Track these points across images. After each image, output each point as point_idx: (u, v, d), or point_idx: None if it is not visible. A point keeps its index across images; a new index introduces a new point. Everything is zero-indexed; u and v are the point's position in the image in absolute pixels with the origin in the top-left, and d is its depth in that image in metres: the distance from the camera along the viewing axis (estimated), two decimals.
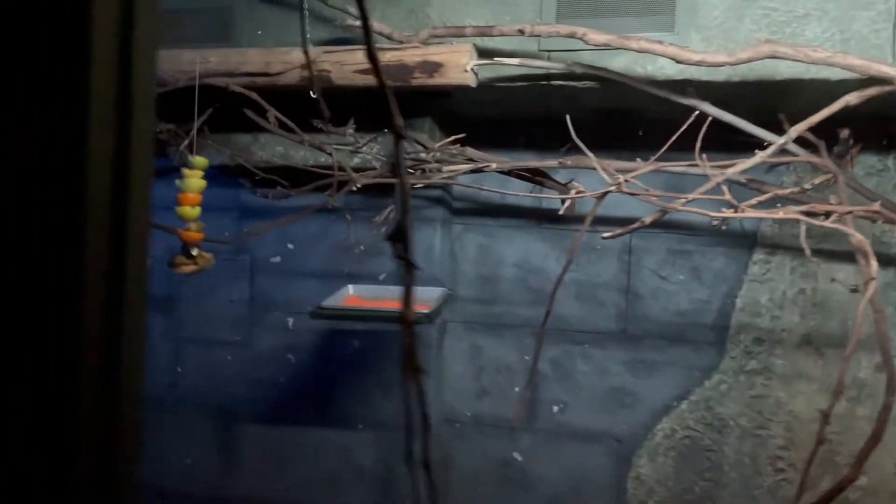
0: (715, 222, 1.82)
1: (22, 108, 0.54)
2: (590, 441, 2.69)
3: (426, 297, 2.25)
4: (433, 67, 1.99)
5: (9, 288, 0.54)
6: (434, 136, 2.54)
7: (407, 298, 0.96)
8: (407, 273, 0.97)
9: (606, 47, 1.80)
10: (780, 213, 1.74)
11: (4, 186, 0.54)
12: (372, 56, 0.91)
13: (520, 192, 2.49)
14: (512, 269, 2.77)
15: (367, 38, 0.93)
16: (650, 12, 2.00)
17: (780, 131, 1.96)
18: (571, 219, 2.68)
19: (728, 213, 1.81)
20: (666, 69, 2.00)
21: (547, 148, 2.56)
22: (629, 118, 2.38)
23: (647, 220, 1.89)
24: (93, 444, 0.58)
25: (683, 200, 1.83)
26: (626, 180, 1.91)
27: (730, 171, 1.80)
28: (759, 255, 2.54)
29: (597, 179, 2.37)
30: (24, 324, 0.54)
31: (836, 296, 2.49)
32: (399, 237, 0.95)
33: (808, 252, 1.77)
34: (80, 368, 0.56)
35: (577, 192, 1.98)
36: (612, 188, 1.95)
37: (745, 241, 2.55)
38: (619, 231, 1.94)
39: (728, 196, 1.80)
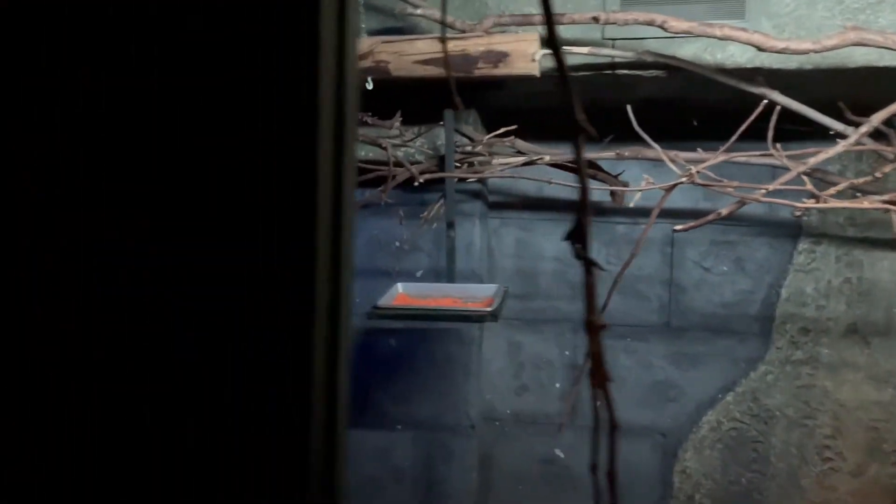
0: (797, 213, 1.80)
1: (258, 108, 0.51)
2: (634, 436, 2.66)
3: (484, 293, 2.18)
4: (498, 57, 1.92)
5: (244, 289, 0.52)
6: (477, 128, 2.48)
7: (590, 302, 0.92)
8: (589, 274, 0.93)
9: (687, 35, 1.75)
10: (866, 203, 1.71)
11: (245, 181, 0.51)
12: (554, 46, 0.86)
13: (560, 183, 2.45)
14: (551, 262, 2.72)
15: (550, 31, 0.88)
16: None
17: (842, 120, 1.95)
18: (611, 211, 2.65)
19: (809, 203, 1.78)
20: (736, 57, 1.97)
21: (590, 139, 2.50)
22: (682, 108, 2.34)
23: (724, 211, 1.85)
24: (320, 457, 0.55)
25: (763, 191, 1.80)
26: (697, 171, 1.87)
27: (811, 161, 1.77)
28: (803, 245, 2.53)
29: (644, 170, 2.34)
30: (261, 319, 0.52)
31: (881, 284, 2.49)
32: (578, 237, 0.90)
33: None
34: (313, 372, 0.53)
35: (646, 184, 1.93)
36: (684, 179, 1.91)
37: (790, 230, 2.54)
38: (692, 223, 1.90)
39: (810, 186, 1.77)
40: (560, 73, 0.90)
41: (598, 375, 0.95)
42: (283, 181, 0.51)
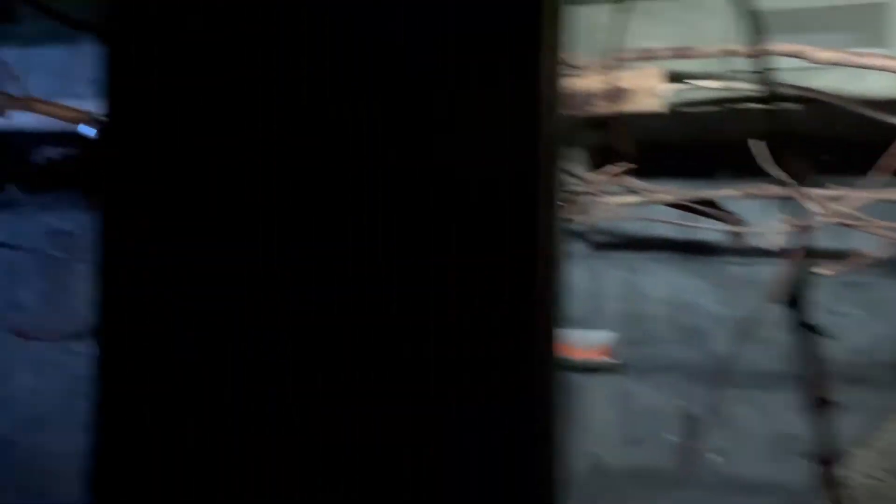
0: None
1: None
2: (755, 493, 2.48)
3: (596, 340, 2.07)
4: (619, 93, 1.82)
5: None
6: (582, 165, 2.38)
7: (817, 376, 0.84)
8: (813, 346, 0.86)
9: (834, 65, 1.63)
10: None
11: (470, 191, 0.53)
12: (769, 83, 0.78)
13: (680, 223, 2.32)
14: (660, 306, 2.58)
15: (759, 62, 0.82)
16: (855, 27, 1.83)
17: None
18: (725, 251, 2.51)
19: None
20: (876, 87, 1.83)
21: (694, 175, 2.38)
22: (806, 141, 2.19)
23: (878, 254, 1.70)
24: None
25: None
26: (844, 211, 1.73)
27: None
28: None
29: (759, 208, 2.21)
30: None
31: None
32: (799, 304, 0.82)
33: None
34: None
35: (786, 225, 1.79)
36: (823, 218, 1.76)
37: None
38: (840, 267, 1.75)
39: None
40: (769, 111, 0.80)
41: (825, 453, 0.84)
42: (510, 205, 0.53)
